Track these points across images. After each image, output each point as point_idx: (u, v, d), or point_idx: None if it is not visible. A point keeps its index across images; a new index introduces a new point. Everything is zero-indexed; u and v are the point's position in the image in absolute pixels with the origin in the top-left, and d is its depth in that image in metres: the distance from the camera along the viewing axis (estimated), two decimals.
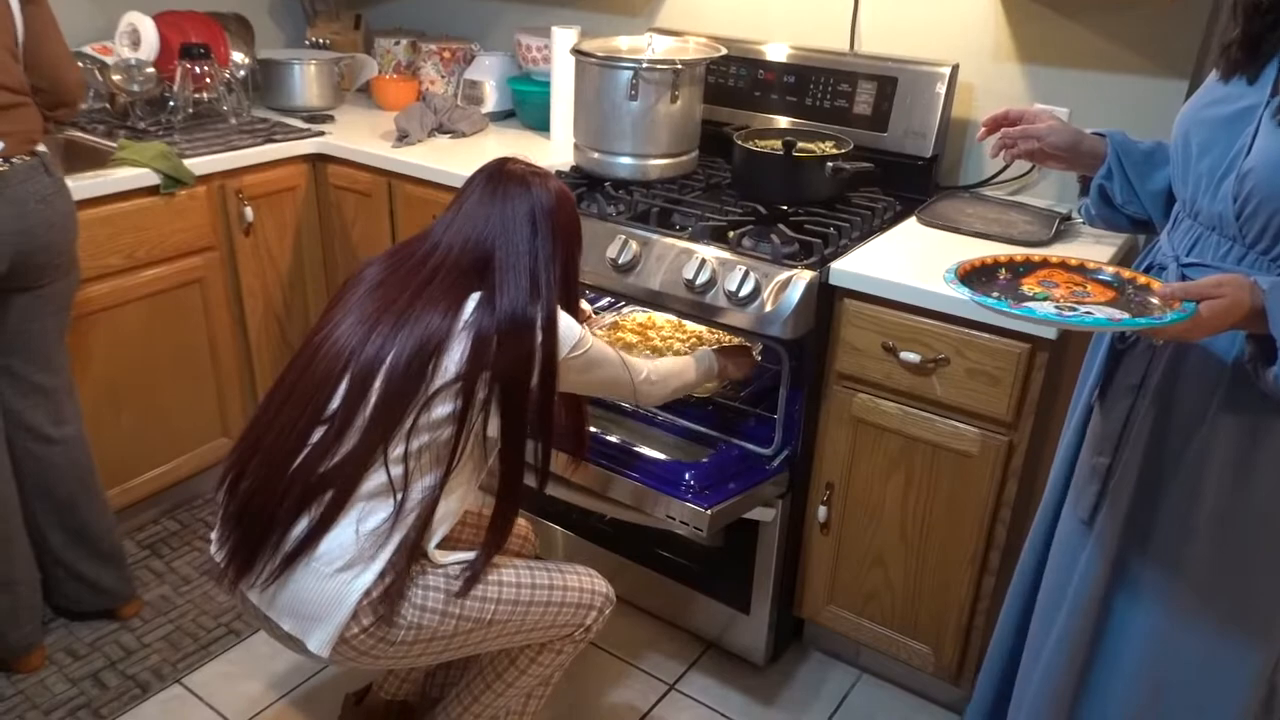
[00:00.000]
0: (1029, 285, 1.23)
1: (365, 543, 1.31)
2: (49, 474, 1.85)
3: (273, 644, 2.03)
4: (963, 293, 1.16)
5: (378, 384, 1.31)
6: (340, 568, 1.31)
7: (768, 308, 1.66)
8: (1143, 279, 1.19)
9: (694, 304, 1.74)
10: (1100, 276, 1.23)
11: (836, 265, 1.69)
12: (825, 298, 1.71)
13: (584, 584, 1.53)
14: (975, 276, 1.24)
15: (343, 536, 1.31)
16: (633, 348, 1.99)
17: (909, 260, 1.72)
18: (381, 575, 1.31)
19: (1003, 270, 1.26)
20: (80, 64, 2.36)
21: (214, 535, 1.42)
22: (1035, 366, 1.57)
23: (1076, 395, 1.41)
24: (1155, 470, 1.25)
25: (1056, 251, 1.76)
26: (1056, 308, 1.15)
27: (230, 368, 2.40)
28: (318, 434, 1.33)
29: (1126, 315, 1.12)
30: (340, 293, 1.45)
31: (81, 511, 1.91)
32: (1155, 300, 1.14)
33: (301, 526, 1.31)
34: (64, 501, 1.88)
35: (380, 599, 1.32)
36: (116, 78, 2.30)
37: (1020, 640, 1.50)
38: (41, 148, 1.71)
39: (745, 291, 1.67)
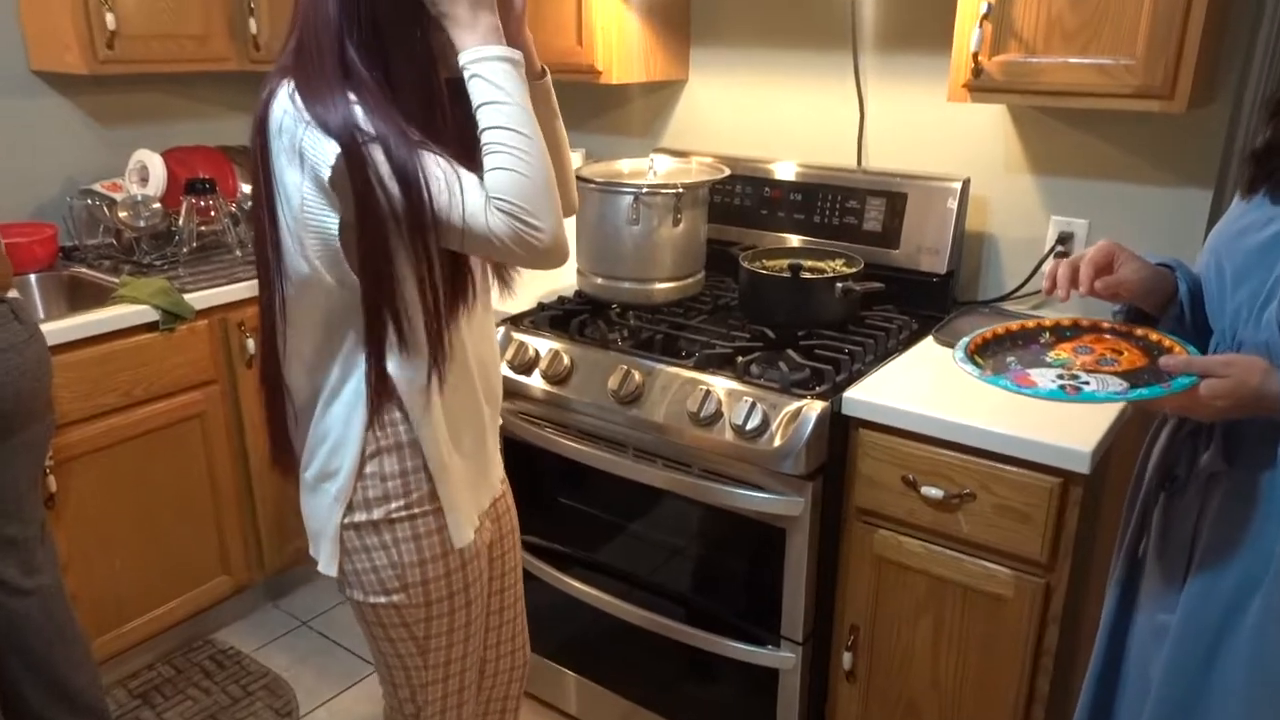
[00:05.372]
0: (1062, 351, 1.19)
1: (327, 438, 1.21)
2: (23, 627, 1.75)
3: None
4: (969, 370, 1.14)
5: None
6: (317, 475, 1.22)
7: (777, 441, 1.56)
8: (1168, 342, 1.15)
9: (700, 438, 1.65)
10: (1142, 343, 1.19)
11: (849, 394, 1.59)
12: (839, 428, 1.61)
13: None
14: (990, 349, 1.21)
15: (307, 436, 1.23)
16: None
17: (926, 386, 1.62)
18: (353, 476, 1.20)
19: (1046, 334, 1.23)
20: (89, 201, 2.39)
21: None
22: (1070, 502, 1.44)
23: (1132, 493, 1.30)
24: (1232, 557, 1.13)
25: None
26: (1059, 377, 1.10)
27: (231, 503, 2.32)
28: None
29: (1130, 387, 1.07)
30: None
31: (60, 665, 1.80)
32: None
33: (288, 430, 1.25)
34: (40, 656, 1.78)
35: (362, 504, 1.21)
36: (123, 214, 2.31)
37: None
38: (13, 293, 1.66)
39: (753, 424, 1.58)
